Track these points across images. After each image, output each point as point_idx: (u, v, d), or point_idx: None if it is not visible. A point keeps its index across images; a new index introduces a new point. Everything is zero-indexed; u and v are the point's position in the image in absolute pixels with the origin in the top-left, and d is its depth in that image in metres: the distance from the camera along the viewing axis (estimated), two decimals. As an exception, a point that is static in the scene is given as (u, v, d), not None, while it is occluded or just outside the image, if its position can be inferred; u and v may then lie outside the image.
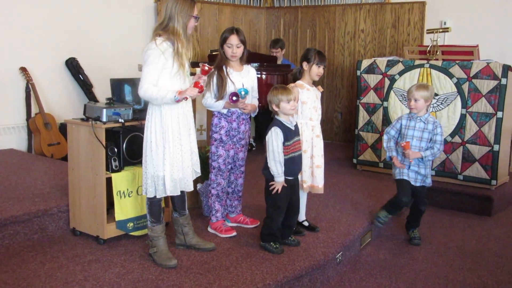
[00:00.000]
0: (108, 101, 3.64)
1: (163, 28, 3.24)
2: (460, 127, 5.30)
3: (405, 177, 4.12)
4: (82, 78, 6.41)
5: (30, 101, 5.95)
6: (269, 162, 3.50)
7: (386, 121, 5.75)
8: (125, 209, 3.68)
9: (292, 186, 3.62)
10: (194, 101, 4.00)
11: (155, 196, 3.34)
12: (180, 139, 3.30)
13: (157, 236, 3.38)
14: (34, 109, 5.99)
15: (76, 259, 3.39)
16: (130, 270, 3.23)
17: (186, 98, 3.25)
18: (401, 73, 5.62)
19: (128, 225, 3.71)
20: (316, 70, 3.85)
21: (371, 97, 5.85)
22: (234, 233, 3.84)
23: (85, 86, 6.45)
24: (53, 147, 5.86)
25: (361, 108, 5.95)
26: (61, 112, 6.18)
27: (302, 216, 4.06)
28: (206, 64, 3.31)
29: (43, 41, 6.12)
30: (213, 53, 6.65)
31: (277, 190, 3.50)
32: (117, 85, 3.87)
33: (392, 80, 5.68)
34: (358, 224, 4.16)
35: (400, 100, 5.64)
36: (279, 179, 3.50)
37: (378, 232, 4.50)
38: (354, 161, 6.10)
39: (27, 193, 4.16)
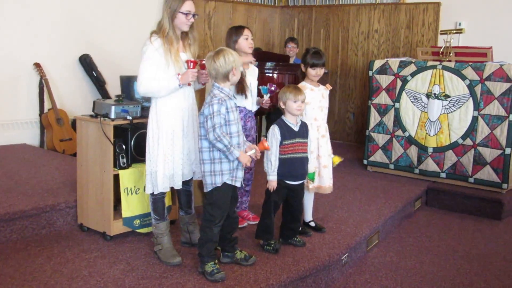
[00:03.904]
0: (117, 98, 3.67)
1: (158, 27, 3.28)
2: (471, 130, 5.25)
3: None
4: (95, 75, 6.46)
5: (43, 96, 6.01)
6: (264, 159, 3.53)
7: (398, 122, 5.71)
8: (132, 206, 3.70)
9: (293, 190, 3.60)
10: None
11: (153, 193, 3.36)
12: (173, 136, 3.30)
13: (161, 233, 3.40)
14: (47, 105, 6.05)
15: (82, 255, 3.42)
16: (134, 267, 3.25)
17: (190, 84, 3.29)
18: (413, 74, 5.58)
19: (134, 222, 3.73)
20: (312, 72, 3.81)
21: (382, 98, 5.82)
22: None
23: (98, 82, 6.49)
24: (65, 142, 5.91)
25: (372, 108, 5.92)
26: (74, 108, 6.22)
27: (309, 217, 4.06)
28: (190, 60, 3.30)
29: (57, 37, 6.18)
30: None
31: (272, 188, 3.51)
32: (126, 82, 3.90)
33: (404, 81, 5.64)
34: (365, 226, 4.14)
35: (412, 102, 5.60)
36: (269, 177, 3.50)
37: (386, 234, 4.47)
38: (365, 162, 6.07)
39: (37, 188, 4.21)
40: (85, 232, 3.83)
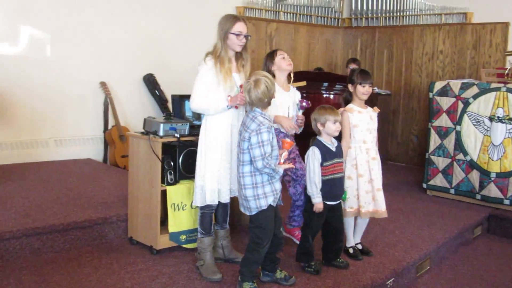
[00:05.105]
0: (166, 116, 3.78)
1: (213, 48, 3.42)
2: (538, 155, 4.99)
3: None
4: (158, 94, 6.67)
5: (108, 114, 6.28)
6: (306, 182, 3.51)
7: (459, 145, 5.51)
8: (178, 222, 3.78)
9: (332, 210, 3.57)
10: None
11: (202, 206, 3.44)
12: (220, 152, 3.39)
13: (204, 248, 3.46)
14: (111, 122, 6.30)
15: (128, 267, 3.52)
16: (175, 281, 3.31)
17: (237, 107, 3.36)
18: (475, 96, 5.38)
19: (181, 237, 3.80)
20: (361, 90, 3.77)
21: (443, 121, 5.64)
22: None
23: (161, 101, 6.70)
24: (126, 158, 6.10)
25: (432, 131, 5.75)
26: (137, 126, 6.42)
27: (357, 239, 3.98)
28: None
29: (123, 57, 6.45)
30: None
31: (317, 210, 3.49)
32: (177, 101, 4.01)
33: (466, 103, 5.45)
34: (415, 251, 4.01)
35: (473, 125, 5.39)
36: (315, 200, 3.47)
37: (440, 261, 4.31)
38: (424, 185, 5.89)
39: (93, 201, 4.38)
40: (134, 245, 3.94)
